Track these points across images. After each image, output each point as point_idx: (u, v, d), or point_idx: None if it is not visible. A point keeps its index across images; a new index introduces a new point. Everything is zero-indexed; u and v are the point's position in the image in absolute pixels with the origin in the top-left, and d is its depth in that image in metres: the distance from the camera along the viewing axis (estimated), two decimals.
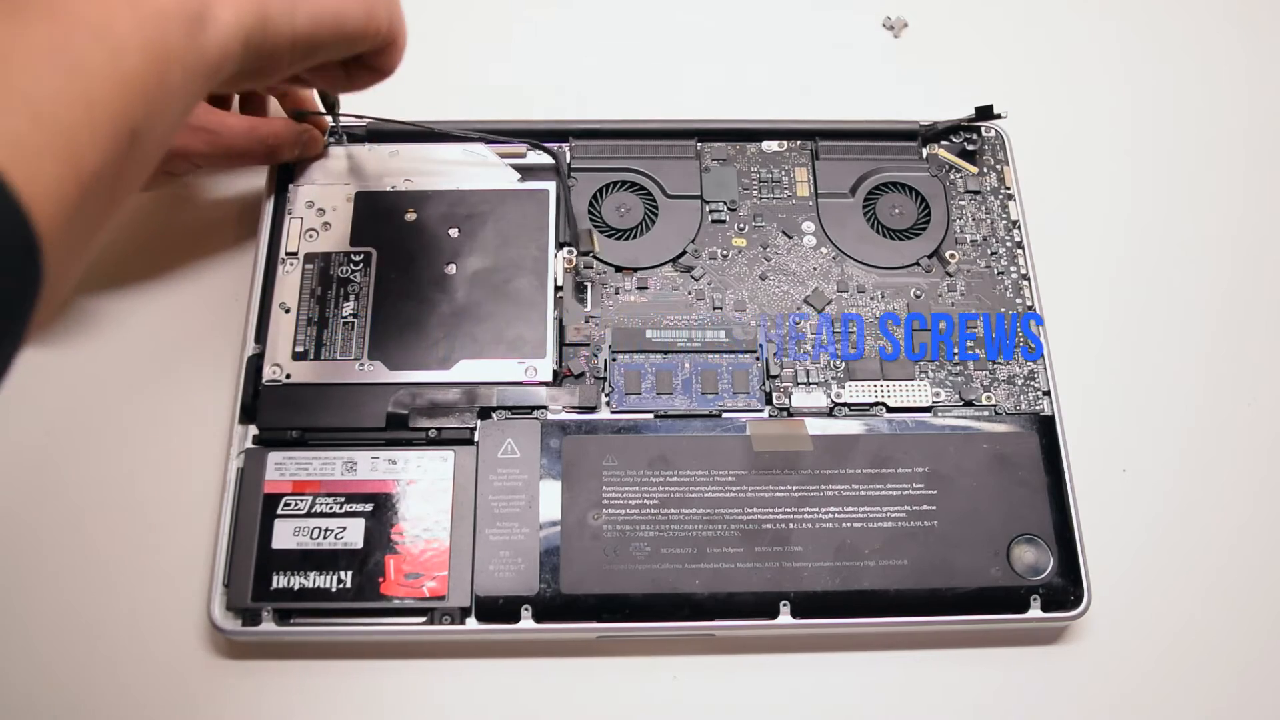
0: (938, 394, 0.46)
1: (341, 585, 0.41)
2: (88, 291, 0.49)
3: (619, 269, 0.48)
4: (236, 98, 0.48)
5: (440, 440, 0.44)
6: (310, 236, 0.48)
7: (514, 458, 0.44)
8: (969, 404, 0.46)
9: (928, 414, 0.46)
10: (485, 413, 0.45)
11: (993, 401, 0.46)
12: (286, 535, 0.42)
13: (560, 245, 0.48)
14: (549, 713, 0.42)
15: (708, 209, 0.50)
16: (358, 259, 0.47)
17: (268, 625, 0.41)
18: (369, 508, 0.43)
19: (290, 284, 0.47)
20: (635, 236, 0.49)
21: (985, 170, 0.51)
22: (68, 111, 0.26)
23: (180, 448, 0.46)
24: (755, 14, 0.59)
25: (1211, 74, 0.58)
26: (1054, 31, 0.59)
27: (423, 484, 0.43)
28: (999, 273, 0.49)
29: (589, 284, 0.48)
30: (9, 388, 0.26)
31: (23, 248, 0.25)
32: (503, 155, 0.50)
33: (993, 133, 0.52)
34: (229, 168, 0.48)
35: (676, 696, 0.43)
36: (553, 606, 0.41)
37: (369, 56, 0.38)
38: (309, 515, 0.42)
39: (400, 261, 0.47)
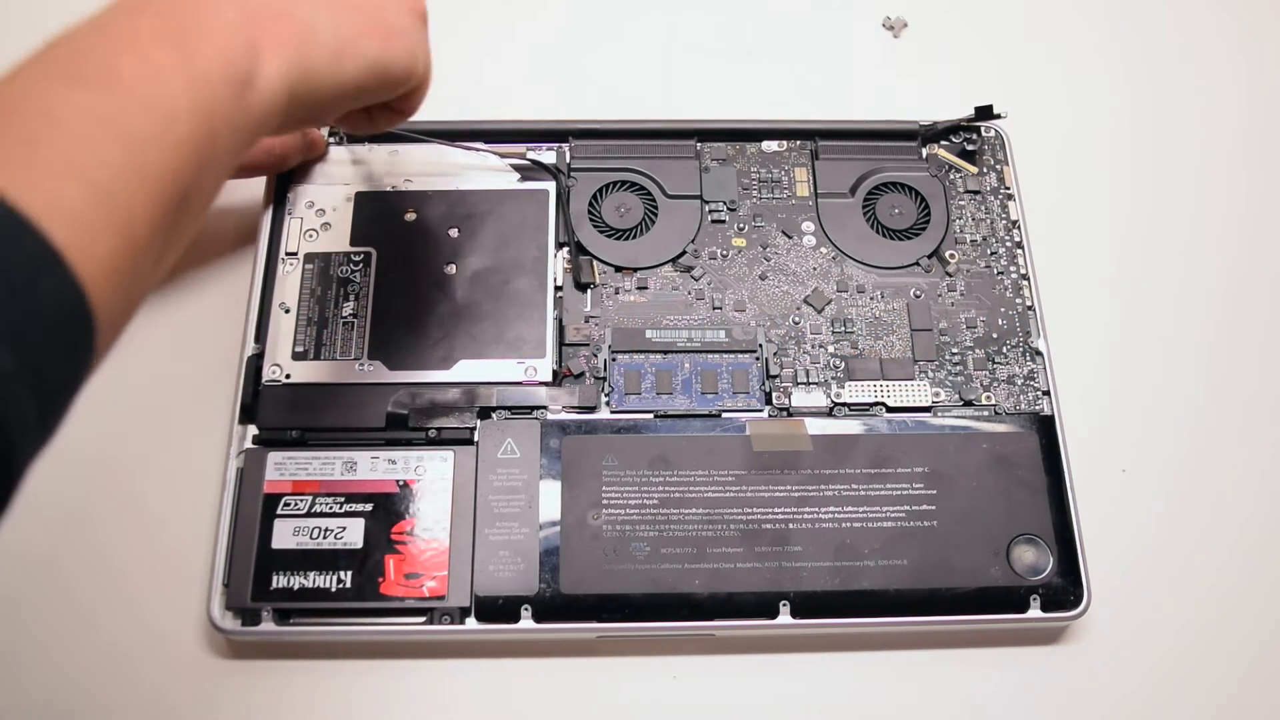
0: (937, 394, 0.46)
1: (341, 585, 0.41)
2: None
3: (619, 269, 0.48)
4: None
5: (440, 440, 0.44)
6: (310, 236, 0.48)
7: (514, 458, 0.44)
8: (969, 404, 0.46)
9: (927, 414, 0.46)
10: (485, 413, 0.45)
11: (993, 401, 0.46)
12: (286, 535, 0.42)
13: (560, 245, 0.48)
14: (549, 713, 0.42)
15: (708, 209, 0.50)
16: (358, 259, 0.47)
17: (267, 625, 0.41)
18: (369, 508, 0.43)
19: (290, 284, 0.47)
20: (635, 236, 0.49)
21: (985, 170, 0.51)
22: (123, 184, 0.27)
23: (180, 447, 0.46)
24: (755, 14, 0.59)
25: (1211, 74, 0.58)
26: (1054, 31, 0.59)
27: (422, 484, 0.43)
28: (999, 273, 0.49)
29: (591, 286, 0.48)
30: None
31: (79, 326, 0.25)
32: (502, 155, 0.50)
33: (992, 133, 0.52)
34: (239, 178, 0.49)
35: (676, 696, 0.43)
36: (553, 606, 0.41)
37: (396, 100, 0.39)
38: (309, 515, 0.42)
39: (400, 261, 0.47)
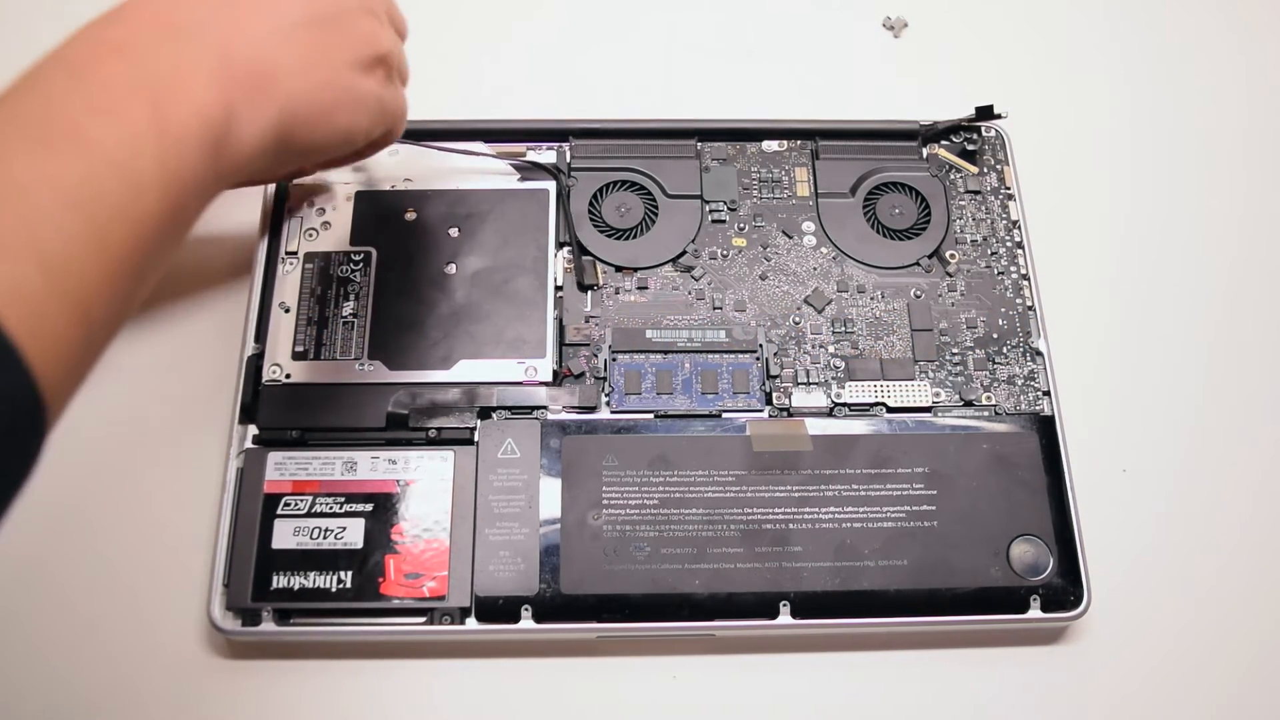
0: (938, 394, 0.46)
1: (341, 585, 0.41)
2: None
3: (619, 269, 0.48)
4: None
5: (440, 440, 0.44)
6: (310, 236, 0.48)
7: (514, 458, 0.44)
8: (969, 404, 0.46)
9: (928, 414, 0.46)
10: (485, 413, 0.45)
11: (993, 401, 0.46)
12: (286, 535, 0.42)
13: (560, 245, 0.48)
14: (549, 713, 0.42)
15: (708, 209, 0.50)
16: (358, 259, 0.47)
17: (268, 625, 0.41)
18: (369, 508, 0.43)
19: (290, 284, 0.47)
20: (635, 236, 0.49)
21: (985, 170, 0.51)
22: (83, 262, 0.26)
23: (180, 447, 0.46)
24: (755, 14, 0.59)
25: (1211, 74, 0.58)
26: (1054, 31, 0.59)
27: (423, 484, 0.43)
28: (999, 273, 0.49)
29: (594, 287, 0.48)
30: None
31: (27, 409, 0.24)
32: (502, 155, 0.50)
33: (993, 133, 0.52)
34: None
35: (676, 696, 0.43)
36: (553, 606, 0.41)
37: (366, 145, 0.39)
38: (309, 515, 0.42)
39: (400, 261, 0.47)
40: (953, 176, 0.51)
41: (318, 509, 0.42)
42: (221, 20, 0.31)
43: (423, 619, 0.41)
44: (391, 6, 0.39)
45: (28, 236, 0.24)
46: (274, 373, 0.45)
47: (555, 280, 0.47)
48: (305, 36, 0.33)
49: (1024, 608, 0.42)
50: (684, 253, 0.49)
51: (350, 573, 0.41)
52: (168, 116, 0.28)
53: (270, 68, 0.32)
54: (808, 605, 0.42)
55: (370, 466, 0.43)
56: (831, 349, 0.47)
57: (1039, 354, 0.47)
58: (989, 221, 0.50)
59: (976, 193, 0.51)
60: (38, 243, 0.25)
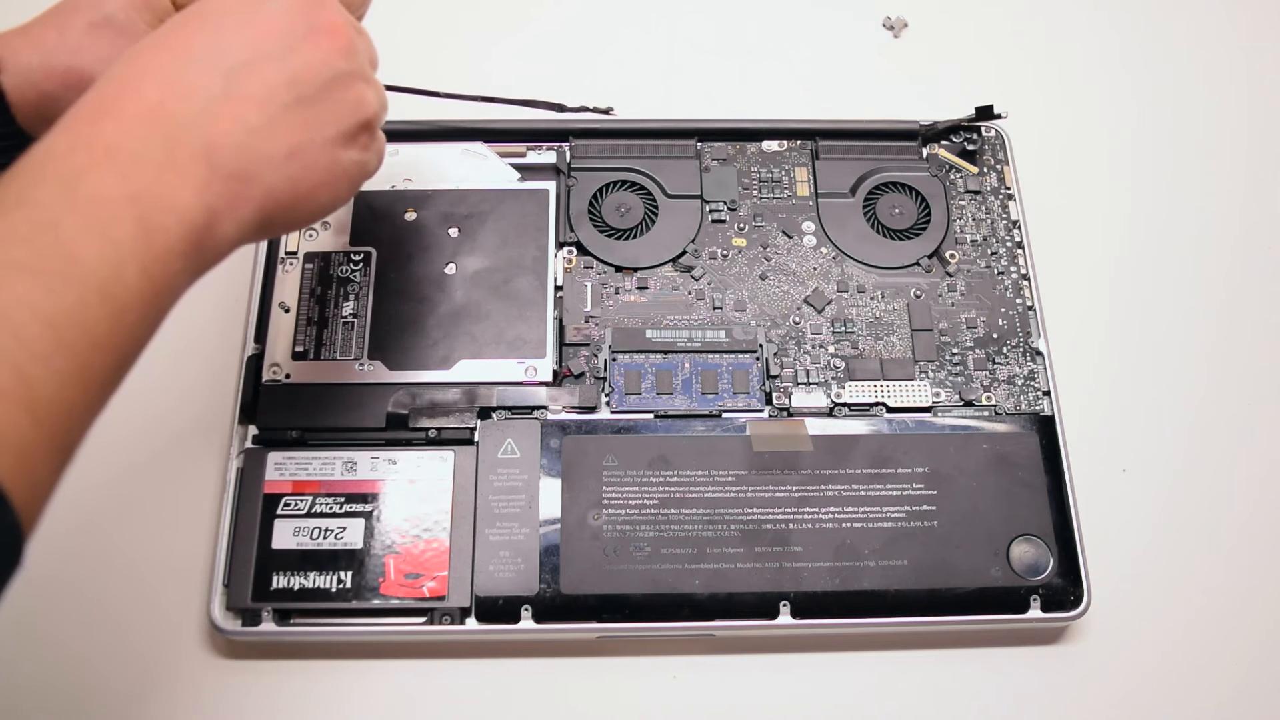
0: (938, 394, 0.46)
1: (341, 585, 0.41)
2: None
3: (619, 269, 0.48)
4: None
5: (440, 440, 0.44)
6: (310, 236, 0.48)
7: (514, 458, 0.44)
8: (969, 404, 0.46)
9: (928, 414, 0.46)
10: (485, 413, 0.45)
11: (993, 401, 0.46)
12: (286, 535, 0.42)
13: (560, 245, 0.48)
14: (549, 713, 0.42)
15: (708, 209, 0.50)
16: (357, 259, 0.47)
17: (268, 625, 0.41)
18: (369, 508, 0.43)
19: (290, 284, 0.47)
20: (635, 236, 0.49)
21: (985, 170, 0.51)
22: (67, 395, 0.26)
23: (180, 447, 0.46)
24: (755, 14, 0.59)
25: (1211, 74, 0.58)
26: (1054, 31, 0.59)
27: (423, 484, 0.43)
28: (999, 273, 0.49)
29: (589, 285, 0.48)
30: None
31: (9, 544, 0.25)
32: (502, 155, 0.50)
33: (993, 133, 0.52)
34: None
35: (676, 696, 0.43)
36: (553, 606, 0.41)
37: None
38: (309, 515, 0.42)
39: (400, 261, 0.47)
40: (953, 176, 0.51)
41: (318, 509, 0.42)
42: (213, 114, 0.31)
43: (423, 619, 0.41)
44: (368, 44, 0.37)
45: (19, 379, 0.25)
46: (274, 373, 0.45)
47: (555, 280, 0.47)
48: (291, 120, 0.33)
49: (1024, 608, 0.42)
50: (684, 253, 0.49)
51: (350, 573, 0.41)
52: (153, 231, 0.28)
53: (255, 164, 0.31)
54: (808, 605, 0.42)
55: (370, 466, 0.43)
56: (831, 349, 0.47)
57: (1039, 354, 0.47)
58: (989, 221, 0.50)
59: (976, 193, 0.51)
60: (29, 386, 0.25)
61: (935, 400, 0.46)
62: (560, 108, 0.49)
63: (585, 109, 0.49)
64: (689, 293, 0.48)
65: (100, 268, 0.27)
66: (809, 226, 0.50)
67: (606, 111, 0.49)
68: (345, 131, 0.35)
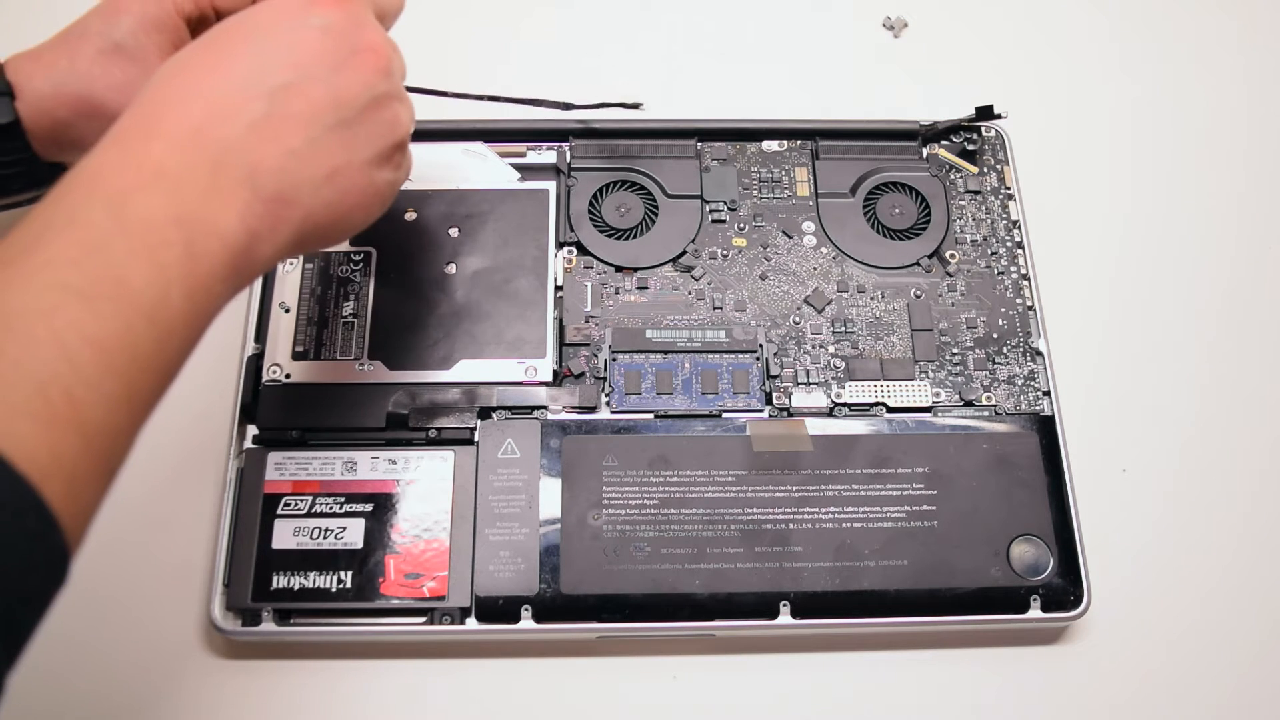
0: (938, 394, 0.46)
1: (341, 585, 0.41)
2: None
3: (619, 269, 0.48)
4: None
5: (440, 440, 0.44)
6: None
7: (514, 458, 0.44)
8: (969, 404, 0.46)
9: (928, 414, 0.46)
10: (485, 413, 0.45)
11: (993, 401, 0.46)
12: (286, 535, 0.42)
13: (560, 245, 0.48)
14: (549, 713, 0.42)
15: (708, 209, 0.50)
16: (357, 259, 0.47)
17: (268, 625, 0.41)
18: (369, 508, 0.43)
19: (290, 284, 0.47)
20: (635, 236, 0.49)
21: (985, 170, 0.51)
22: (116, 418, 0.27)
23: (180, 448, 0.46)
24: (755, 14, 0.59)
25: (1211, 74, 0.58)
26: (1054, 31, 0.59)
27: (423, 484, 0.43)
28: (999, 273, 0.49)
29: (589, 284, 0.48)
30: None
31: (58, 566, 0.26)
32: (502, 155, 0.50)
33: (993, 133, 0.52)
34: None
35: (676, 696, 0.43)
36: (553, 606, 0.41)
37: None
38: (309, 515, 0.42)
39: (400, 261, 0.47)
40: (953, 176, 0.51)
41: (318, 509, 0.42)
42: (256, 136, 0.31)
43: (423, 619, 0.41)
44: (401, 61, 0.37)
45: (70, 403, 0.25)
46: (274, 373, 0.45)
47: (555, 280, 0.47)
48: (332, 142, 0.33)
49: (1024, 608, 0.42)
50: (684, 253, 0.49)
51: (350, 573, 0.41)
52: (198, 253, 0.29)
53: (296, 187, 0.32)
54: (808, 605, 0.42)
55: (370, 466, 0.43)
56: (831, 349, 0.47)
57: (1039, 354, 0.47)
58: (989, 221, 0.50)
59: (976, 193, 0.51)
60: (79, 409, 0.26)
61: (935, 400, 0.46)
62: (567, 106, 0.48)
63: (609, 104, 0.49)
64: (689, 293, 0.48)
65: (147, 291, 0.27)
66: (809, 226, 0.50)
67: (636, 106, 0.49)
68: (381, 152, 0.35)
